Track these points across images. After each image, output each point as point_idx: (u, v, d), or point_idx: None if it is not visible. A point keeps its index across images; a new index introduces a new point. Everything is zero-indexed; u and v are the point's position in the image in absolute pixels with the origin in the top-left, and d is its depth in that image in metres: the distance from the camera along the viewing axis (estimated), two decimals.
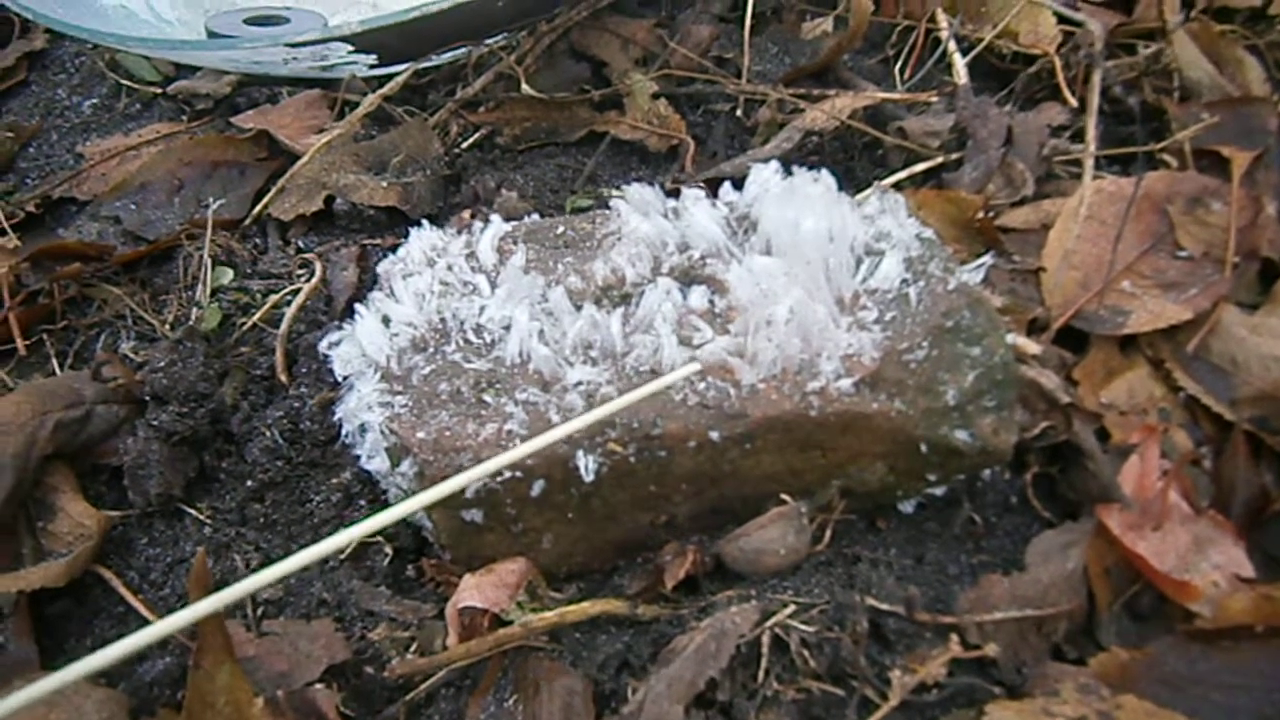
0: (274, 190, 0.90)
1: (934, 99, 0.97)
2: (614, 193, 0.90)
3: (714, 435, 0.58)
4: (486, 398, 0.59)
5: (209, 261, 0.82)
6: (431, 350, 0.63)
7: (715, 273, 0.66)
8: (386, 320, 0.64)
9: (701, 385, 0.60)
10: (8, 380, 0.76)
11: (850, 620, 0.60)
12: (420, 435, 0.58)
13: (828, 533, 0.64)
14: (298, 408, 0.73)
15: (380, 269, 0.68)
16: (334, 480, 0.70)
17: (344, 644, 0.62)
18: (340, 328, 0.65)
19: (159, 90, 1.05)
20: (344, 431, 0.66)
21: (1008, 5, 1.06)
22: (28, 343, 0.79)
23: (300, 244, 0.89)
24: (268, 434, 0.72)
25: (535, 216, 0.74)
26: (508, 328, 0.62)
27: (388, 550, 0.67)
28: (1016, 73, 1.03)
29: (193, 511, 0.70)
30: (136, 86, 1.06)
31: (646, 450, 0.58)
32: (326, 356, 0.64)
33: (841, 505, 0.65)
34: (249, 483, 0.71)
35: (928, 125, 0.92)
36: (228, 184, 0.93)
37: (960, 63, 0.99)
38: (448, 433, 0.57)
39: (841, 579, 0.63)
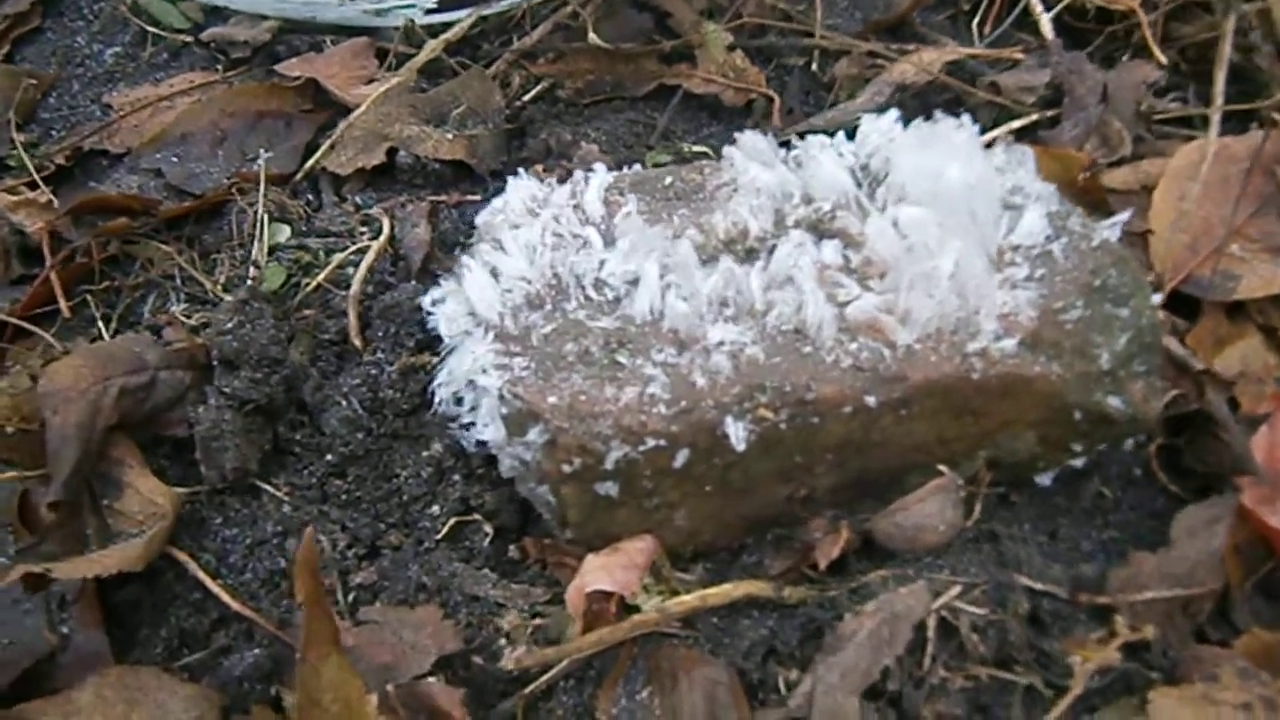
0: (328, 143, 0.83)
1: (1020, 55, 0.92)
2: (694, 149, 0.85)
3: (870, 400, 0.53)
4: (620, 358, 0.54)
5: (265, 218, 0.76)
6: (550, 307, 0.57)
7: (847, 226, 0.61)
8: (495, 274, 0.58)
9: (853, 345, 0.55)
10: (56, 344, 0.69)
11: (1012, 601, 0.55)
12: (552, 400, 0.52)
13: (976, 507, 0.59)
14: (375, 375, 0.67)
15: (479, 220, 0.62)
16: (424, 453, 0.64)
17: (453, 633, 0.56)
18: (438, 284, 0.59)
19: (188, 38, 0.97)
20: (439, 399, 0.60)
21: None
22: (70, 304, 0.72)
23: (358, 200, 0.82)
24: (344, 404, 0.66)
25: (636, 167, 0.68)
26: (633, 283, 0.56)
27: (488, 529, 0.62)
28: (1092, 32, 0.98)
29: (269, 488, 0.63)
30: (163, 34, 0.98)
31: (799, 416, 0.53)
32: (430, 313, 0.58)
33: (989, 477, 0.60)
34: (329, 457, 0.65)
35: (1022, 80, 0.87)
36: (274, 136, 0.86)
37: (1046, 18, 0.94)
38: (583, 397, 0.52)
39: (992, 557, 0.59)
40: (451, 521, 0.62)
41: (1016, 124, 0.86)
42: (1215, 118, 0.82)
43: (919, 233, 0.56)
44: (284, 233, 0.77)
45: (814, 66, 0.94)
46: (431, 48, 0.85)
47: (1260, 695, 0.58)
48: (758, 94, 0.90)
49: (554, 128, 0.86)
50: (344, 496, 0.64)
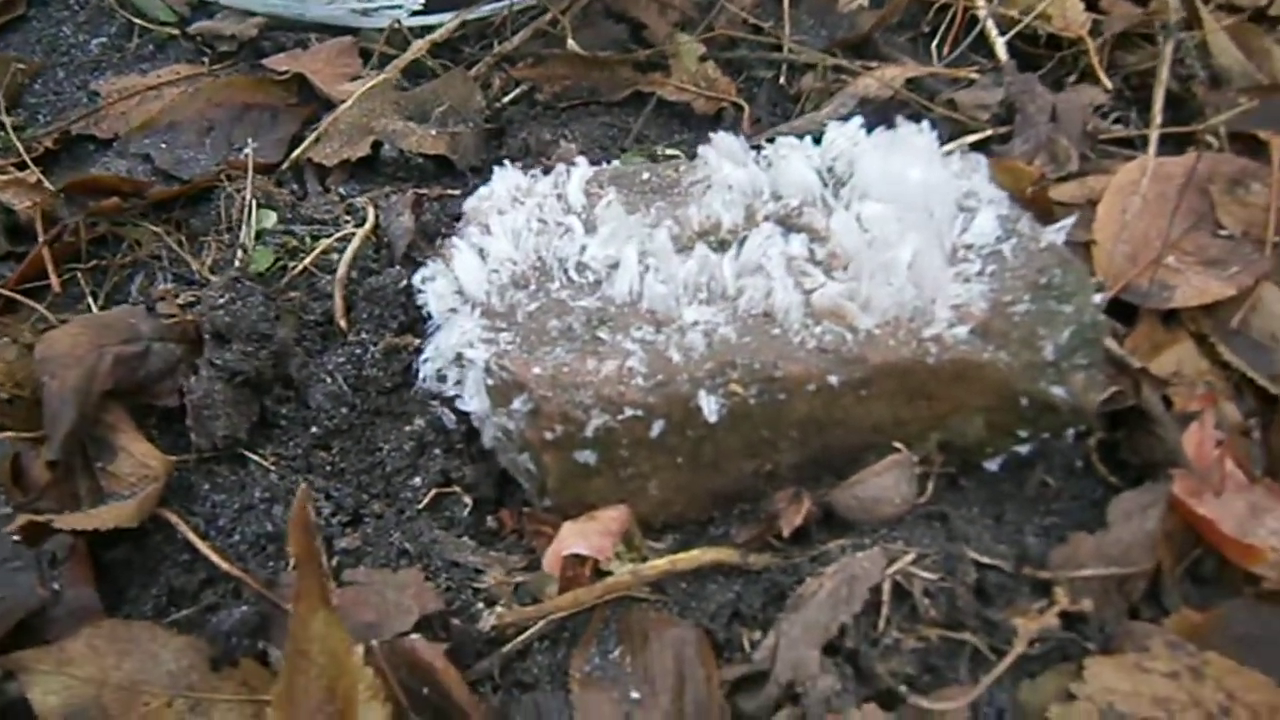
0: (314, 134, 0.86)
1: (975, 75, 0.98)
2: (667, 152, 0.89)
3: (833, 379, 0.57)
4: (601, 334, 0.57)
5: (252, 203, 0.78)
6: (534, 287, 0.60)
7: (813, 221, 0.65)
8: (483, 255, 0.61)
9: (818, 329, 0.58)
10: (50, 316, 0.71)
11: (960, 570, 0.59)
12: (536, 371, 0.55)
13: (929, 486, 0.63)
14: (360, 354, 0.70)
15: (467, 205, 0.65)
16: (406, 428, 0.67)
17: (435, 594, 0.59)
18: (426, 263, 0.62)
19: (175, 31, 1.00)
20: (423, 375, 0.63)
21: None
22: (60, 280, 0.74)
23: (342, 190, 0.85)
24: (329, 380, 0.69)
25: (616, 164, 0.72)
26: (614, 266, 0.60)
27: (467, 500, 0.65)
28: (1044, 57, 1.04)
29: (256, 458, 0.66)
30: (150, 26, 1.00)
31: (766, 392, 0.57)
32: (420, 290, 0.61)
33: (940, 459, 0.64)
34: (313, 429, 0.67)
35: (978, 98, 0.93)
36: (260, 127, 0.89)
37: (1001, 42, 1.00)
38: (565, 369, 0.55)
39: (943, 532, 0.63)
40: (432, 493, 0.65)
41: (971, 138, 0.91)
42: (1153, 138, 0.88)
43: (880, 227, 0.60)
44: (270, 218, 0.80)
45: (782, 80, 0.99)
46: (416, 48, 0.88)
47: (1187, 665, 0.63)
48: (728, 103, 0.94)
49: (533, 128, 0.89)
50: (328, 467, 0.66)
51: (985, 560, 0.62)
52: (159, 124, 0.87)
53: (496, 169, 0.68)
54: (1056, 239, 0.69)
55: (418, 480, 0.65)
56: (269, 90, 0.91)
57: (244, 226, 0.78)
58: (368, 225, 0.78)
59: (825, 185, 0.68)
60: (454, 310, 0.60)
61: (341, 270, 0.74)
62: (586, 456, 0.56)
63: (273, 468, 0.66)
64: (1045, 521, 0.71)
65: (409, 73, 0.97)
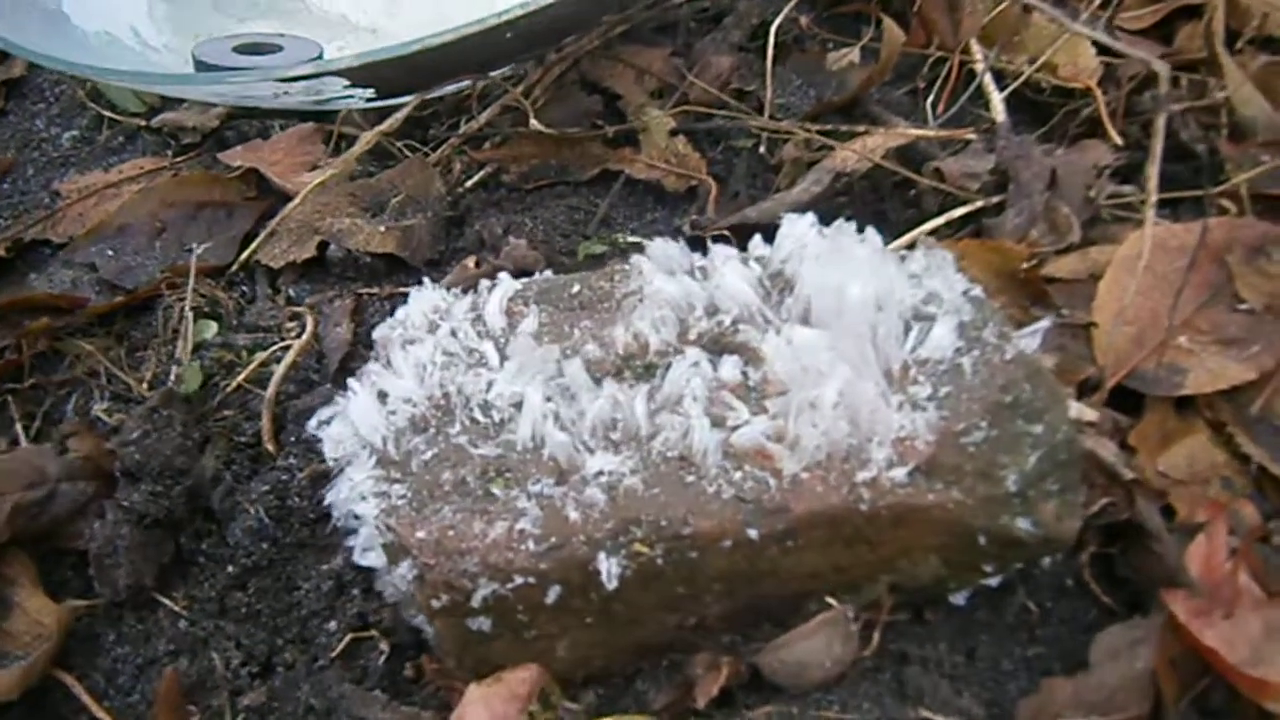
0: (263, 235, 0.83)
1: (971, 136, 0.91)
2: (629, 239, 0.84)
3: (752, 533, 0.52)
4: (495, 490, 0.53)
5: (190, 315, 0.76)
6: (433, 431, 0.56)
7: (749, 340, 0.59)
8: (383, 396, 0.57)
9: (738, 475, 0.53)
10: None
11: None
12: (420, 535, 0.51)
13: (875, 635, 0.57)
14: (286, 481, 0.67)
15: (377, 335, 0.61)
16: (325, 566, 0.63)
17: None
18: (332, 402, 0.59)
19: (143, 122, 0.99)
20: (334, 517, 0.59)
21: (1045, 35, 1.00)
22: None
23: (291, 293, 0.82)
24: (252, 511, 0.66)
25: (548, 273, 0.67)
26: (518, 406, 0.55)
27: (384, 647, 0.61)
28: (1054, 107, 0.97)
29: (167, 602, 0.63)
30: (119, 118, 0.99)
31: (676, 550, 0.52)
32: (316, 437, 0.57)
33: (890, 603, 0.58)
34: (230, 568, 0.64)
35: (966, 166, 0.86)
36: (214, 226, 0.87)
37: (997, 98, 0.93)
38: (451, 532, 0.51)
39: (891, 687, 0.57)
40: (347, 638, 0.61)
41: (959, 211, 0.84)
42: (1150, 202, 0.80)
43: (809, 357, 0.55)
44: (211, 329, 0.77)
45: (761, 149, 0.93)
46: (366, 139, 0.85)
47: None
48: (699, 180, 0.89)
49: (491, 217, 0.86)
50: (243, 610, 0.63)
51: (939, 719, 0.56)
52: (109, 228, 0.85)
53: (413, 291, 0.64)
54: (1029, 344, 0.62)
55: (333, 624, 0.62)
56: (225, 186, 0.89)
57: (179, 341, 0.75)
58: (305, 336, 0.75)
59: (770, 294, 0.63)
60: (354, 455, 0.56)
61: (271, 390, 0.71)
62: (480, 623, 0.52)
63: (185, 613, 0.63)
64: (1029, 653, 0.64)
65: (378, 155, 0.94)
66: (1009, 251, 0.79)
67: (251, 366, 0.74)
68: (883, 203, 0.90)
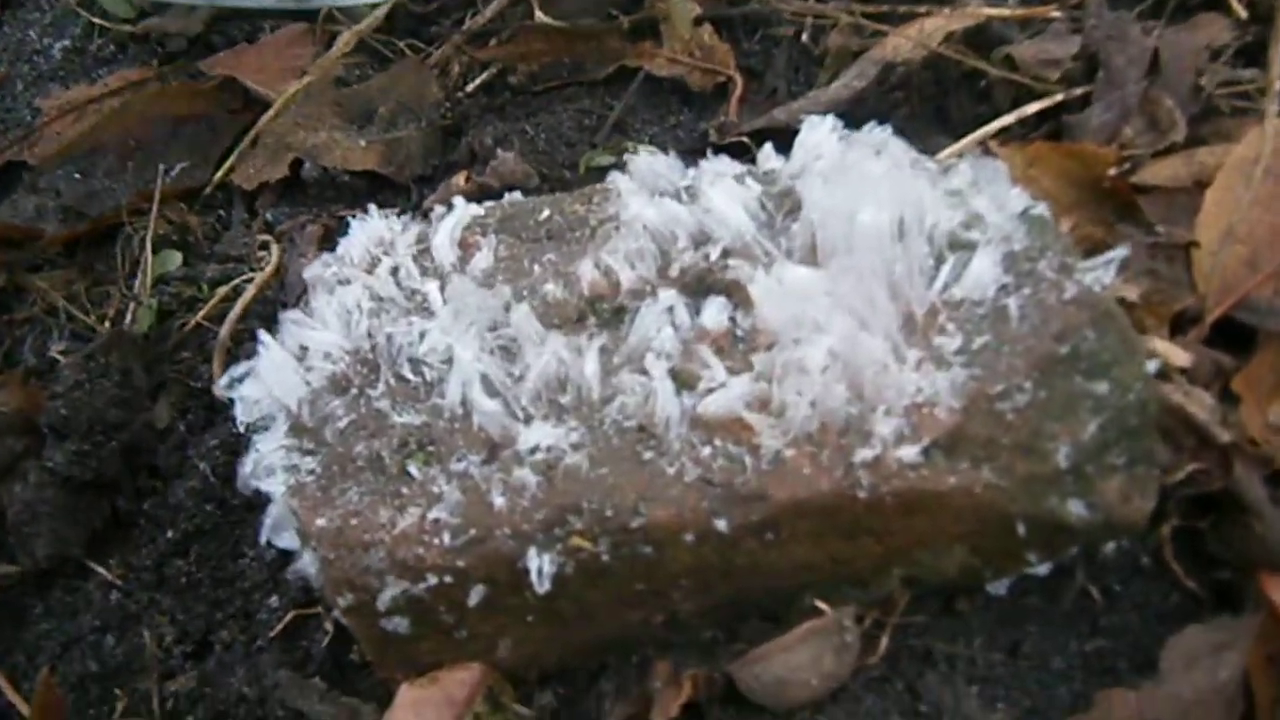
0: (236, 153, 0.75)
1: (1056, 14, 0.76)
2: (643, 148, 0.73)
3: (720, 524, 0.42)
4: (412, 467, 0.44)
5: (150, 246, 0.69)
6: (355, 392, 0.47)
7: (740, 277, 0.49)
8: (304, 350, 0.49)
9: (706, 451, 0.43)
10: None
11: None
12: (321, 522, 0.43)
13: (884, 639, 0.47)
14: (237, 434, 0.59)
15: (307, 275, 0.53)
16: None
17: None
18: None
19: (133, 28, 0.91)
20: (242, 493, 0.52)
21: None
22: None
23: (269, 216, 0.74)
24: (200, 467, 0.59)
25: (516, 195, 0.57)
26: (450, 363, 0.46)
27: (328, 627, 0.54)
28: None
29: (101, 570, 0.57)
30: (109, 26, 0.92)
31: (625, 546, 0.42)
32: (229, 399, 0.49)
33: (905, 599, 0.48)
34: (171, 533, 0.58)
35: (1045, 52, 0.71)
36: (194, 143, 0.79)
37: None
38: (355, 520, 0.43)
39: (901, 702, 0.47)
40: (290, 615, 0.54)
41: (1035, 107, 0.70)
42: (1275, 90, 0.64)
43: (802, 303, 0.44)
44: (175, 260, 0.70)
45: (804, 37, 0.80)
46: (345, 40, 0.75)
47: None
48: (726, 75, 0.76)
49: (487, 127, 0.75)
50: (183, 580, 0.57)
51: None
52: (81, 148, 0.78)
53: (354, 220, 0.55)
54: (1099, 279, 0.49)
55: (275, 600, 0.55)
56: (206, 98, 0.81)
57: (139, 275, 0.68)
58: (269, 269, 0.67)
59: (773, 219, 0.52)
60: (269, 420, 0.48)
61: (224, 330, 0.64)
62: (396, 624, 0.44)
63: (118, 582, 0.57)
64: (1088, 647, 0.54)
65: (378, 57, 0.85)
66: (1092, 155, 0.65)
67: (211, 303, 0.66)
68: (946, 98, 0.76)
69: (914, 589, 0.48)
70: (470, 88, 0.80)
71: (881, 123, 0.75)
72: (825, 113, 0.69)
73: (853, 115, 0.72)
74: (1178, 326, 0.63)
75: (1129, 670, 0.53)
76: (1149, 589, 0.55)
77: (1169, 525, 0.55)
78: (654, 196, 0.52)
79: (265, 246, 0.71)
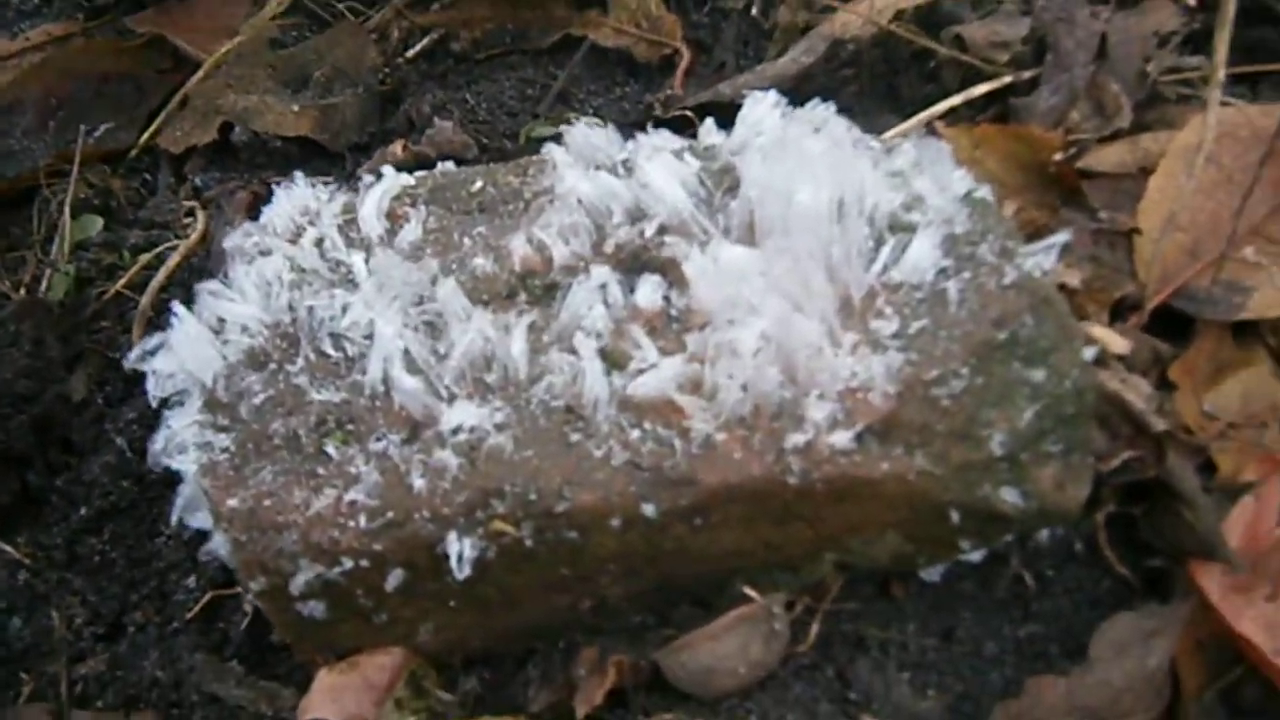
0: (163, 115, 0.72)
1: None
2: (586, 120, 0.71)
3: (647, 509, 0.41)
4: (329, 447, 0.42)
5: (68, 210, 0.66)
6: (273, 368, 0.46)
7: (676, 255, 0.47)
8: (222, 322, 0.47)
9: (635, 434, 0.42)
10: None
11: None
12: (232, 503, 0.41)
13: (815, 626, 0.47)
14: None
15: (228, 244, 0.50)
16: None
17: None
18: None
19: None
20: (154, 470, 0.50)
21: None
22: None
23: (197, 181, 0.72)
24: (116, 442, 0.57)
25: (449, 167, 0.55)
26: (372, 338, 0.44)
27: (247, 609, 0.52)
28: None
29: (9, 549, 0.55)
30: None
31: (549, 530, 0.41)
32: (139, 371, 0.47)
33: (838, 585, 0.47)
34: (84, 510, 0.56)
35: (995, 33, 0.71)
36: (119, 103, 0.76)
37: None
38: (268, 501, 0.41)
39: (831, 689, 0.46)
40: (207, 596, 0.53)
41: (983, 88, 0.69)
42: (1218, 78, 0.64)
43: (736, 284, 0.43)
44: (95, 225, 0.67)
45: (754, 10, 0.78)
46: (278, 0, 0.72)
47: None
48: (673, 47, 0.75)
49: (426, 94, 0.73)
50: (96, 559, 0.55)
51: None
52: None
53: (278, 188, 0.52)
54: (1039, 264, 0.49)
55: (192, 580, 0.53)
56: (134, 56, 0.77)
57: (56, 240, 0.65)
58: (195, 234, 0.64)
59: (712, 196, 0.50)
60: (185, 395, 0.46)
61: (145, 299, 0.61)
62: (312, 608, 0.42)
63: (26, 561, 0.54)
64: (1020, 633, 0.54)
65: (310, 18, 0.82)
66: (1038, 139, 0.65)
67: (133, 270, 0.64)
68: (896, 76, 0.75)
69: (847, 574, 0.48)
70: (410, 54, 0.78)
71: (829, 100, 0.74)
72: (771, 88, 0.68)
73: (800, 91, 0.71)
74: (1118, 313, 0.63)
75: (1061, 656, 0.53)
76: (1082, 575, 0.55)
77: (1103, 512, 0.55)
78: (590, 170, 0.51)
79: (191, 213, 0.68)
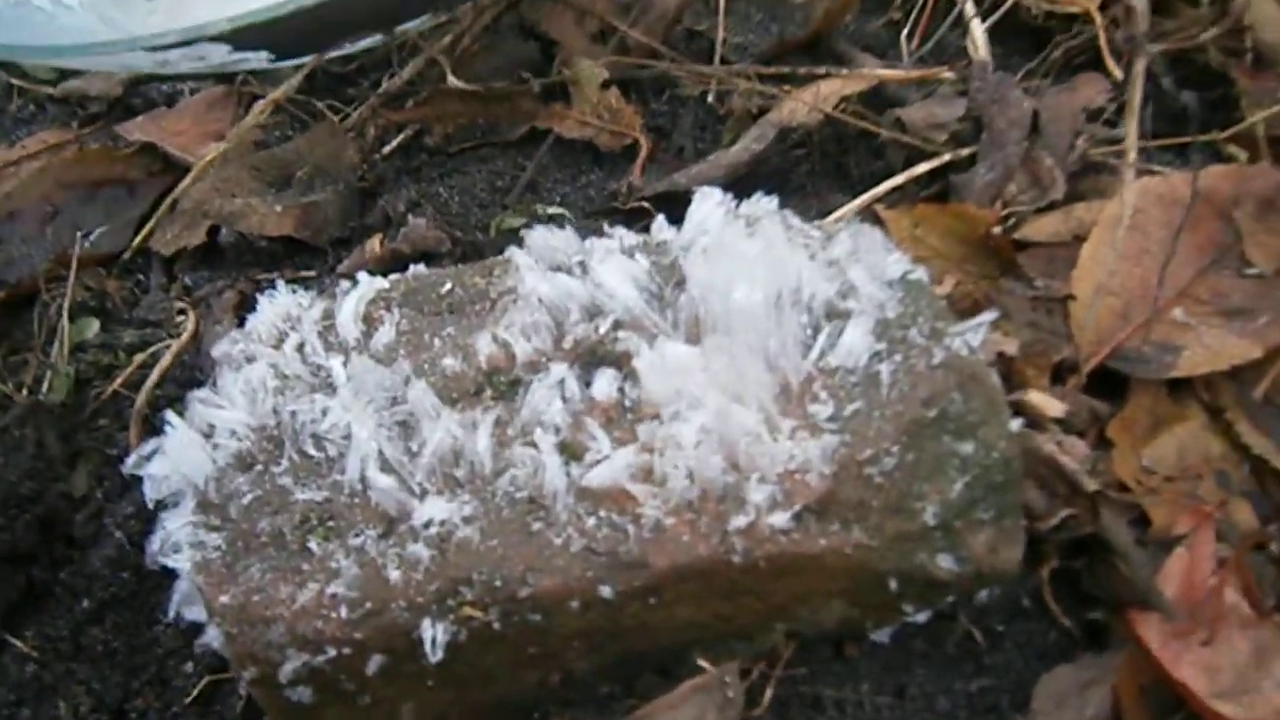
0: (155, 218, 0.76)
1: (948, 75, 0.80)
2: (551, 210, 0.76)
3: (605, 591, 0.45)
4: (313, 543, 0.46)
5: (66, 314, 0.70)
6: (260, 469, 0.49)
7: (630, 349, 0.51)
8: (211, 428, 0.51)
9: (591, 521, 0.46)
10: None
11: None
12: (224, 599, 0.45)
13: (769, 690, 0.50)
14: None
15: (216, 353, 0.54)
16: None
17: None
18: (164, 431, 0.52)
19: (52, 90, 0.92)
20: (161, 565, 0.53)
21: None
22: None
23: (188, 281, 0.76)
24: (116, 535, 0.60)
25: (420, 270, 0.59)
26: (350, 439, 0.48)
27: (242, 692, 0.55)
28: (1050, 35, 0.85)
29: (17, 643, 0.58)
30: (29, 87, 0.93)
31: (515, 614, 0.45)
32: (136, 475, 0.51)
33: (791, 650, 0.51)
34: (86, 601, 0.59)
35: (932, 115, 0.75)
36: (112, 208, 0.80)
37: (979, 30, 0.81)
38: (257, 596, 0.44)
39: None
40: (204, 681, 0.56)
41: (924, 167, 0.74)
42: (1130, 159, 0.69)
43: (681, 378, 0.47)
44: (93, 327, 0.71)
45: (710, 98, 0.83)
46: (261, 108, 0.77)
47: None
48: (633, 137, 0.79)
49: (401, 189, 0.78)
50: (99, 648, 0.58)
51: None
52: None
53: (261, 297, 0.57)
54: (966, 344, 0.53)
55: (190, 666, 0.56)
56: (125, 162, 0.82)
57: (56, 342, 0.69)
58: (186, 335, 0.68)
59: (663, 291, 0.54)
60: (180, 496, 0.50)
61: (140, 399, 0.65)
62: (300, 694, 0.46)
63: (34, 653, 0.58)
64: (971, 688, 0.57)
65: (296, 119, 0.87)
66: (973, 215, 0.69)
67: (129, 370, 0.68)
68: (846, 155, 0.80)
69: (798, 640, 0.51)
70: (386, 150, 0.83)
71: (783, 181, 0.79)
72: (726, 176, 0.74)
73: (755, 174, 0.76)
74: (1057, 376, 0.67)
75: (1011, 708, 0.56)
76: (1031, 628, 0.58)
77: (1048, 567, 0.59)
78: (549, 271, 0.55)
79: (183, 312, 0.72)
